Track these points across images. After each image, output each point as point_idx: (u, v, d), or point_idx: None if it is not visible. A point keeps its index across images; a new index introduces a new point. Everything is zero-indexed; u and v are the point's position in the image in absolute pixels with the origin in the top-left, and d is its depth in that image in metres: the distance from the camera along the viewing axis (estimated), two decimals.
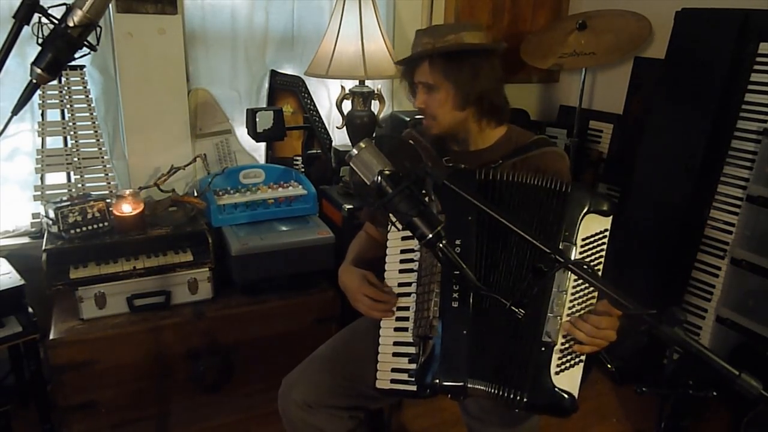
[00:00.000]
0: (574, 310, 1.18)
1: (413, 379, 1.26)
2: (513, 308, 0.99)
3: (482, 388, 1.19)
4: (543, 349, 1.17)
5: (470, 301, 1.21)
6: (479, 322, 1.21)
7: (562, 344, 1.18)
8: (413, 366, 1.26)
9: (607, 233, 1.23)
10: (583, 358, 1.19)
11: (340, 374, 1.39)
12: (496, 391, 1.18)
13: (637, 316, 0.90)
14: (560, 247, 1.19)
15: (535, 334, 1.18)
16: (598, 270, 1.22)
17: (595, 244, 1.22)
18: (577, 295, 1.19)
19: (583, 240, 1.21)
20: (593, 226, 1.21)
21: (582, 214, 1.20)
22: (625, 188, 2.63)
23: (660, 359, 2.19)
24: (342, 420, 1.39)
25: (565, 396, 1.16)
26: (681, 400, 1.96)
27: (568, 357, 1.18)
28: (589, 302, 1.19)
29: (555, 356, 1.17)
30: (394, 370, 1.30)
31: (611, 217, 1.23)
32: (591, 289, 1.19)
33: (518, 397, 1.16)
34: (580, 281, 1.18)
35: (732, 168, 2.07)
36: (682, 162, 2.15)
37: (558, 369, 1.17)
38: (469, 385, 1.19)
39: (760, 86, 1.98)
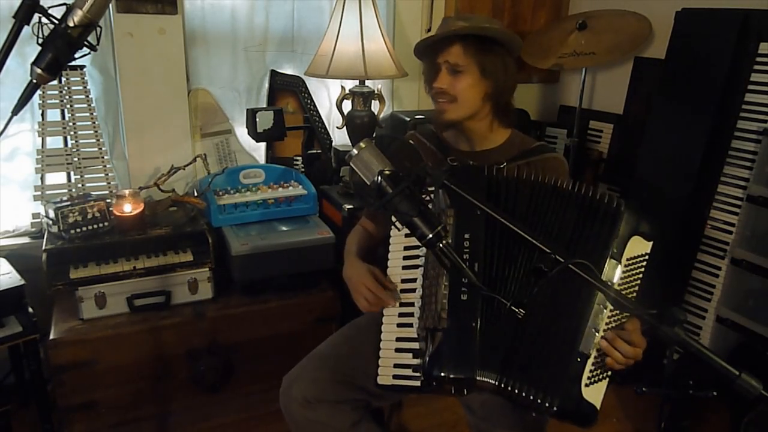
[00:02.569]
0: (610, 326, 1.18)
1: (417, 374, 1.24)
2: (513, 308, 0.99)
3: (491, 381, 1.16)
4: (579, 359, 1.16)
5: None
6: (490, 314, 1.19)
7: (595, 357, 1.17)
8: (417, 361, 1.24)
9: (647, 257, 1.22)
10: (610, 373, 1.20)
11: (340, 370, 1.38)
12: (511, 389, 1.16)
13: (637, 316, 0.91)
14: (606, 263, 1.18)
15: (573, 343, 1.16)
16: (634, 294, 1.21)
17: (636, 265, 1.22)
18: (615, 312, 1.18)
19: (628, 260, 1.20)
20: (638, 247, 1.21)
21: (630, 234, 1.20)
22: (625, 188, 2.62)
23: (660, 359, 2.18)
24: (344, 412, 1.37)
25: (590, 408, 1.16)
26: (681, 400, 1.97)
27: (599, 371, 1.18)
28: (625, 320, 1.19)
29: (587, 368, 1.17)
30: (396, 365, 1.29)
31: (652, 242, 1.23)
32: None
33: (547, 403, 1.14)
34: None
35: (732, 168, 2.06)
36: (682, 162, 2.15)
37: (588, 381, 1.17)
38: (477, 378, 1.16)
39: (760, 86, 1.97)
